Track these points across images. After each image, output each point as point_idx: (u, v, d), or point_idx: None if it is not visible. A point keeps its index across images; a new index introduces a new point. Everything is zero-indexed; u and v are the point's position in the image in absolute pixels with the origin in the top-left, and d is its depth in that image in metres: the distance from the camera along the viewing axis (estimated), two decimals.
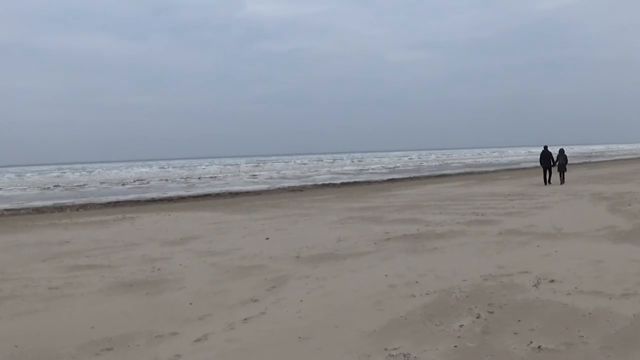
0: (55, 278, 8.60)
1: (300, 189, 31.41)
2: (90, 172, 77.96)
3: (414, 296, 6.65)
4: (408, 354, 4.85)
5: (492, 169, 51.18)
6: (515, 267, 7.94)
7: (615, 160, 62.04)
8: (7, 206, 26.19)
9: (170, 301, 7.02)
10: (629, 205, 14.80)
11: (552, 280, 7.06)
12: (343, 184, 35.70)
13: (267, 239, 11.70)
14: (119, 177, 57.99)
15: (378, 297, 6.65)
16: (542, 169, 24.94)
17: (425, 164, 74.27)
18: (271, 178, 47.77)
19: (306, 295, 6.96)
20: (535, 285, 6.90)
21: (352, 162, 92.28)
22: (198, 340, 5.48)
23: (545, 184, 23.90)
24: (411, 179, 38.96)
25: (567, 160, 24.97)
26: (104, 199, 28.92)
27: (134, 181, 49.55)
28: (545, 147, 25.33)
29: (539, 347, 4.86)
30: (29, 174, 74.38)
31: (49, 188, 42.95)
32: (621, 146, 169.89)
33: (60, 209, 24.07)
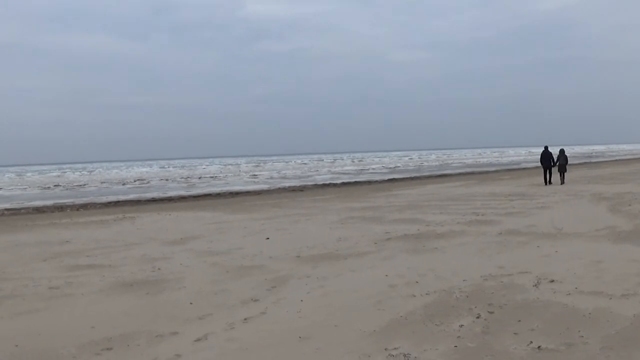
0: (55, 278, 8.60)
1: (301, 189, 31.41)
2: (91, 171, 78.08)
3: (415, 296, 6.65)
4: (408, 354, 4.85)
5: (493, 169, 51.18)
6: (516, 267, 7.94)
7: (616, 160, 62.03)
8: (8, 206, 26.20)
9: (170, 301, 7.03)
10: (629, 205, 14.80)
11: (552, 281, 7.06)
12: (343, 183, 35.70)
13: (268, 238, 11.70)
14: (119, 177, 58.02)
15: (378, 297, 6.65)
16: (542, 169, 24.95)
17: (425, 164, 74.27)
18: (272, 178, 47.79)
19: (306, 295, 6.97)
20: (536, 285, 6.90)
21: (353, 162, 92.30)
22: (198, 340, 5.48)
23: (546, 184, 23.89)
24: (412, 179, 38.95)
25: (567, 161, 24.96)
26: (104, 199, 28.93)
27: (135, 181, 49.58)
28: (546, 148, 25.33)
29: (539, 347, 4.86)
30: (29, 174, 74.46)
31: (49, 188, 42.98)
32: (622, 146, 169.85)
33: (60, 208, 24.07)
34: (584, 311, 5.79)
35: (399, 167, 66.10)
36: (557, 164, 24.55)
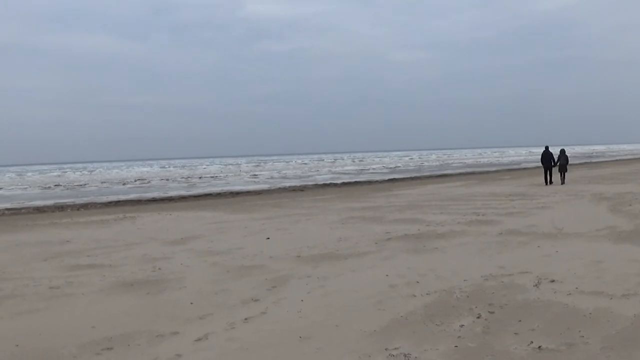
0: (56, 277, 8.60)
1: (301, 189, 31.41)
2: (91, 171, 78.16)
3: (415, 296, 6.65)
4: (408, 354, 4.85)
5: (493, 169, 51.17)
6: (516, 267, 7.94)
7: (616, 160, 62.02)
8: (8, 205, 26.21)
9: (171, 301, 7.03)
10: (630, 205, 14.79)
11: (553, 281, 7.06)
12: (344, 183, 35.70)
13: (268, 238, 11.70)
14: (119, 177, 58.04)
15: (379, 297, 6.65)
16: (543, 169, 24.95)
17: (426, 163, 74.27)
18: (272, 178, 47.79)
19: (307, 295, 6.97)
20: (536, 285, 6.90)
21: (353, 162, 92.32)
22: (199, 339, 5.48)
23: (546, 184, 23.89)
24: (412, 179, 38.95)
25: (568, 161, 24.95)
26: (104, 199, 28.93)
27: (135, 181, 49.59)
28: (547, 148, 25.32)
29: (539, 347, 4.86)
30: (29, 174, 74.51)
31: (49, 187, 42.99)
32: (622, 146, 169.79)
33: (61, 208, 24.08)
34: (584, 311, 5.78)
35: (399, 167, 66.10)
36: (558, 164, 24.54)
